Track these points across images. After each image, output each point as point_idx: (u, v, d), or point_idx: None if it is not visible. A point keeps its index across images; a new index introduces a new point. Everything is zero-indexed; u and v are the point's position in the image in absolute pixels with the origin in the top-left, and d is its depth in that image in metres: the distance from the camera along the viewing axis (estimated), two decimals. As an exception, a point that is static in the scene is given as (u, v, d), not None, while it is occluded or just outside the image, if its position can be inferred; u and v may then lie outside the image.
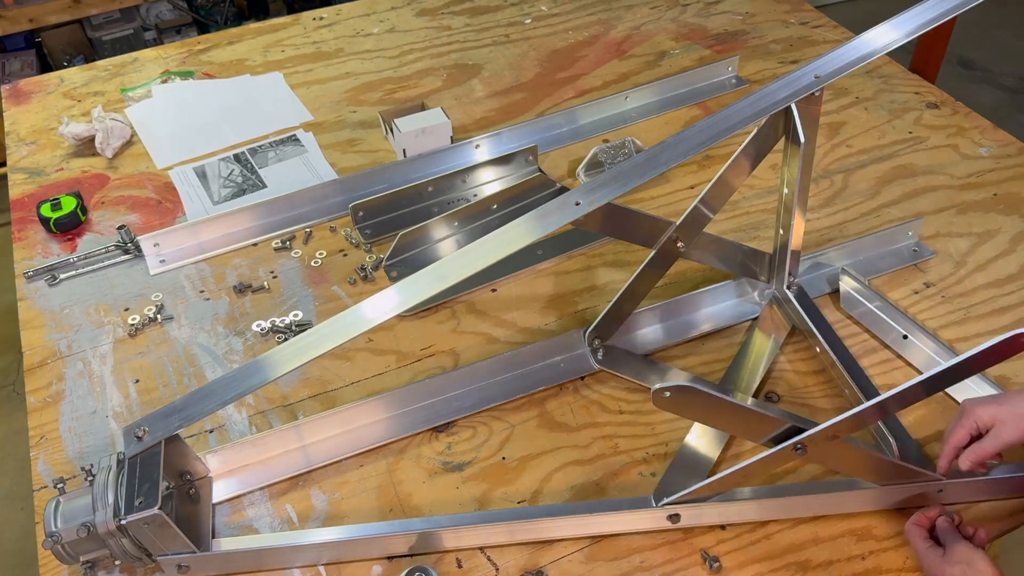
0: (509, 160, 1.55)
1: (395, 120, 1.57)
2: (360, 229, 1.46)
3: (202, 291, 1.38)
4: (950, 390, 1.18)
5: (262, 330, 1.31)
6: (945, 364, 0.88)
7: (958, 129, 1.62)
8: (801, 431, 0.94)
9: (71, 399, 1.22)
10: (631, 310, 1.22)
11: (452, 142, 1.60)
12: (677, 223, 1.12)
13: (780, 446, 0.95)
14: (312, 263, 1.41)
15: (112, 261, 1.43)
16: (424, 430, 1.16)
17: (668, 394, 0.91)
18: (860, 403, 1.13)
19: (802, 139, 1.08)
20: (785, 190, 1.17)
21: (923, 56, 2.38)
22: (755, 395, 1.18)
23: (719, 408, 0.96)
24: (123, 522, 0.93)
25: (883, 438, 1.10)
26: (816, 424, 0.99)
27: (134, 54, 1.96)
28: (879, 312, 1.27)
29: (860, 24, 1.22)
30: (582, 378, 1.22)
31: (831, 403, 1.18)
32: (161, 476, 0.95)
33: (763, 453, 0.96)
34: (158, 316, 1.33)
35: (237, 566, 1.03)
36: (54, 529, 0.96)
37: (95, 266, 1.42)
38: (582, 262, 1.40)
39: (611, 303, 1.18)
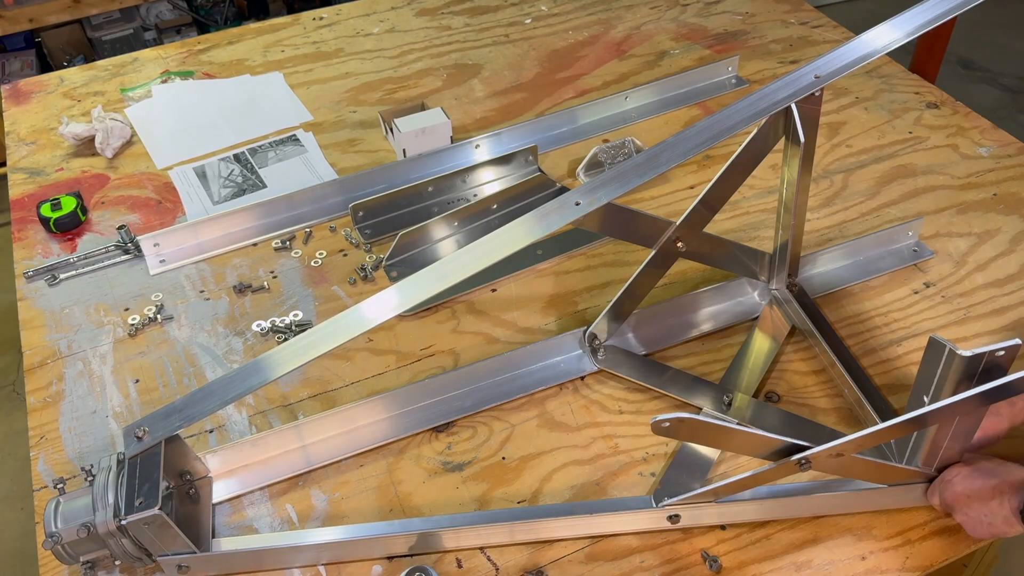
0: (509, 160, 1.55)
1: (395, 120, 1.57)
2: (360, 229, 1.46)
3: (202, 291, 1.38)
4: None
5: (262, 330, 1.31)
6: (969, 392, 0.86)
7: (958, 129, 1.62)
8: (803, 448, 0.94)
9: (71, 399, 1.22)
10: (631, 310, 1.22)
11: (452, 142, 1.60)
12: (677, 223, 1.12)
13: (783, 461, 0.94)
14: (312, 263, 1.41)
15: (112, 261, 1.43)
16: (424, 430, 1.16)
17: (667, 425, 0.91)
18: (860, 403, 1.14)
19: (802, 139, 1.08)
20: (785, 190, 1.17)
21: (923, 56, 2.38)
22: (755, 395, 1.18)
23: (720, 433, 0.96)
24: (123, 522, 0.93)
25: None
26: (817, 426, 1.00)
27: (134, 54, 1.96)
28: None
29: (860, 24, 1.22)
30: (582, 378, 1.22)
31: (831, 403, 1.18)
32: (161, 476, 0.95)
33: (766, 466, 0.96)
34: (158, 316, 1.33)
35: (237, 566, 1.03)
36: (54, 529, 0.96)
37: (95, 266, 1.42)
38: (582, 262, 1.40)
39: (611, 303, 1.18)
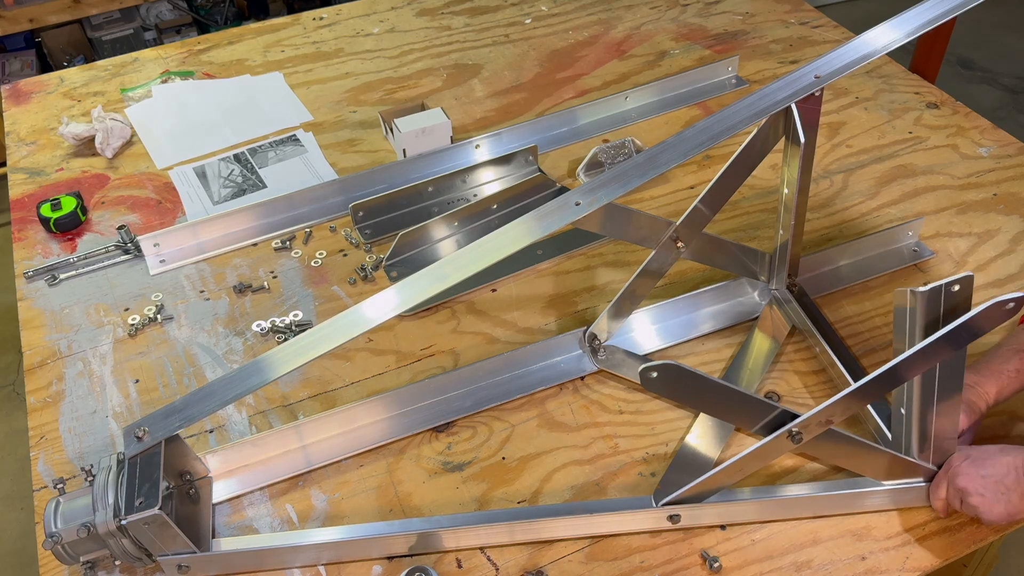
0: (509, 160, 1.55)
1: (395, 120, 1.57)
2: (360, 229, 1.46)
3: (202, 291, 1.38)
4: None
5: (262, 330, 1.31)
6: (935, 335, 0.88)
7: (958, 129, 1.62)
8: (793, 417, 0.95)
9: (71, 399, 1.22)
10: (631, 310, 1.22)
11: (452, 142, 1.60)
12: (677, 223, 1.12)
13: (775, 433, 0.95)
14: (312, 263, 1.41)
15: (112, 261, 1.43)
16: (424, 430, 1.16)
17: (655, 374, 0.91)
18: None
19: (802, 139, 1.08)
20: (785, 190, 1.17)
21: (923, 56, 2.38)
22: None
23: (707, 390, 0.96)
24: (123, 522, 0.93)
25: (882, 435, 1.10)
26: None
27: (134, 54, 1.96)
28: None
29: (860, 24, 1.22)
30: (582, 378, 1.22)
31: (831, 403, 1.17)
32: (161, 476, 0.95)
33: (759, 443, 0.96)
34: (158, 316, 1.33)
35: (237, 566, 1.03)
36: (54, 529, 0.96)
37: (95, 266, 1.42)
38: (582, 262, 1.40)
39: (611, 303, 1.18)
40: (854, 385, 0.92)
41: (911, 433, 1.00)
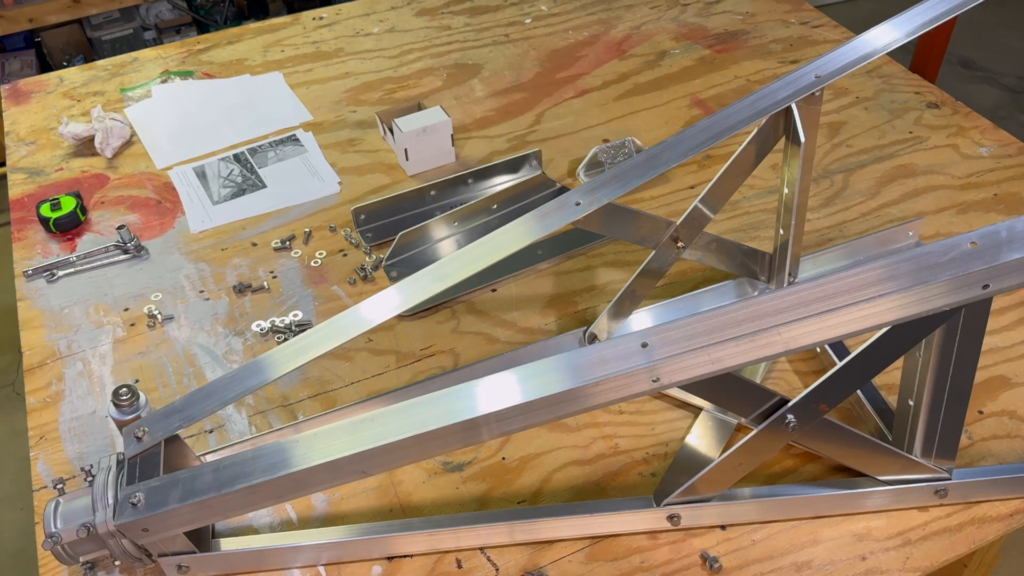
0: (516, 167, 1.54)
1: (396, 120, 1.57)
2: (362, 232, 1.46)
3: (202, 291, 1.38)
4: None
5: (262, 330, 1.31)
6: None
7: (958, 129, 1.62)
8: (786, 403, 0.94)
9: (71, 399, 1.22)
10: (631, 310, 1.22)
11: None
12: (677, 223, 1.12)
13: (769, 419, 0.94)
14: (312, 263, 1.41)
15: (112, 261, 1.43)
16: (424, 430, 1.16)
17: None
18: (860, 403, 1.14)
19: (802, 139, 1.08)
20: (785, 190, 1.17)
21: (923, 56, 2.38)
22: (755, 395, 1.18)
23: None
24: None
25: (883, 437, 1.10)
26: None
27: (134, 54, 1.96)
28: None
29: (860, 24, 1.22)
30: (582, 378, 1.22)
31: (831, 403, 1.17)
32: (161, 476, 0.95)
33: (755, 430, 0.95)
34: (158, 316, 1.33)
35: (237, 566, 1.03)
36: (54, 530, 0.96)
37: (95, 266, 1.42)
38: (582, 262, 1.40)
39: (611, 303, 1.18)
40: (849, 356, 0.90)
41: (917, 427, 0.99)
